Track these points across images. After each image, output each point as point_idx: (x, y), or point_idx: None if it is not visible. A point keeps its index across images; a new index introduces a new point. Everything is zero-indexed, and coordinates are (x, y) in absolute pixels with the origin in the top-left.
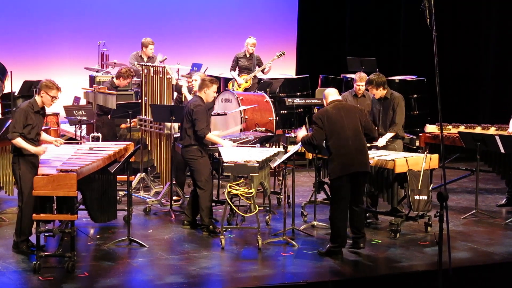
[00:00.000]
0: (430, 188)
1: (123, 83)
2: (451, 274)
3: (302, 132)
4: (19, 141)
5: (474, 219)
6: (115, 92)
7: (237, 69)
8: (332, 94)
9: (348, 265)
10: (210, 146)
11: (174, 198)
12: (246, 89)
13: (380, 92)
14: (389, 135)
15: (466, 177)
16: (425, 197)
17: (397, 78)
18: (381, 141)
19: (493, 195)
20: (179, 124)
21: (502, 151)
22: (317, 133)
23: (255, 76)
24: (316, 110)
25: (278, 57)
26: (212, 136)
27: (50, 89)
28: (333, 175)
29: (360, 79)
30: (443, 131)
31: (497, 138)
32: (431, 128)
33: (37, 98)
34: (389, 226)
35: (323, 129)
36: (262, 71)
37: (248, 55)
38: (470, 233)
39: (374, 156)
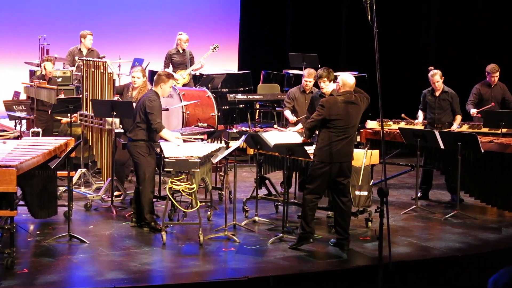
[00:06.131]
0: (370, 184)
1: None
2: (391, 269)
3: (331, 87)
4: None
5: (414, 215)
6: (55, 87)
7: (170, 65)
8: (347, 84)
9: (288, 261)
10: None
11: (115, 193)
12: (184, 85)
13: None
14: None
15: (407, 173)
16: (365, 193)
17: (339, 74)
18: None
19: (433, 191)
20: (120, 119)
21: (442, 147)
22: (316, 121)
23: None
24: (258, 105)
25: (213, 51)
26: (165, 132)
27: None
28: (318, 158)
29: (308, 75)
30: (384, 127)
31: (437, 134)
32: (372, 124)
33: None
34: (329, 221)
35: (322, 117)
36: (195, 68)
37: (181, 51)
38: (410, 228)
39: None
